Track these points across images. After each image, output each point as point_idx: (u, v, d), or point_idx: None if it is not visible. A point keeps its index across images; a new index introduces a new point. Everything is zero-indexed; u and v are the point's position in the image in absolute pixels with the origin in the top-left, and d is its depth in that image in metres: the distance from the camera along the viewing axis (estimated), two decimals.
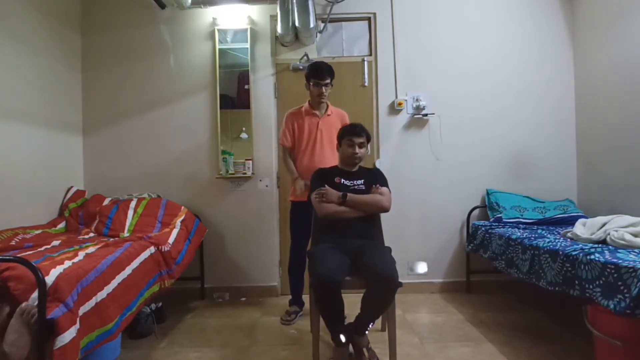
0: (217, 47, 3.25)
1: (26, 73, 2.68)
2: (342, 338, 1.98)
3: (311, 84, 2.62)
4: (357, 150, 2.27)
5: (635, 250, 1.84)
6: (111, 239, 2.52)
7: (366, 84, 3.33)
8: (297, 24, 2.98)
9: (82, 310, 1.65)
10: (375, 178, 2.34)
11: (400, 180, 3.18)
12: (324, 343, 2.29)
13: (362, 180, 2.32)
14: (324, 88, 2.61)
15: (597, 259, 1.78)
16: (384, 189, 2.29)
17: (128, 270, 2.06)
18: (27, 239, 2.32)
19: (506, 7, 3.33)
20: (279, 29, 3.05)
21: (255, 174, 3.25)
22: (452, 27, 3.34)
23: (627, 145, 2.73)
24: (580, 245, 2.04)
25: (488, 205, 3.18)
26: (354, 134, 2.27)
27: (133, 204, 2.99)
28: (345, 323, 2.04)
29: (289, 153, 2.76)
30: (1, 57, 2.46)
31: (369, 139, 2.34)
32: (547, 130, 3.30)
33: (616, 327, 1.70)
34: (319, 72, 2.59)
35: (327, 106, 2.72)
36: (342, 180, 2.31)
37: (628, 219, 2.11)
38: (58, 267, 1.67)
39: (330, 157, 2.62)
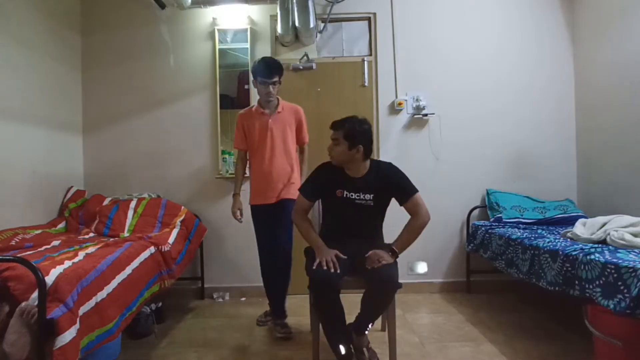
0: (217, 47, 3.25)
1: (26, 73, 2.68)
2: (342, 349, 1.87)
3: (258, 82, 2.41)
4: (332, 145, 2.00)
5: (635, 250, 1.84)
6: (111, 239, 2.52)
7: (366, 84, 3.33)
8: (297, 24, 2.98)
9: (82, 310, 1.65)
10: (389, 188, 2.00)
11: None
12: (324, 343, 2.29)
13: (372, 195, 2.00)
14: (271, 87, 2.39)
15: (597, 259, 1.78)
16: (415, 197, 1.97)
17: (128, 270, 2.06)
18: (27, 239, 2.31)
19: (506, 7, 3.33)
20: (279, 29, 3.05)
21: None
22: (452, 27, 3.34)
23: (627, 145, 2.73)
24: (580, 245, 2.04)
25: (488, 205, 3.18)
26: (331, 126, 2.00)
27: (133, 204, 2.99)
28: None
29: (242, 157, 2.63)
30: (1, 57, 2.46)
31: (353, 136, 1.91)
32: (547, 130, 3.30)
33: (616, 327, 1.70)
34: (266, 70, 2.36)
35: (278, 102, 2.51)
36: (345, 192, 2.02)
37: (628, 219, 2.11)
38: (58, 267, 1.67)
39: (281, 161, 2.47)
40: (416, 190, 1.99)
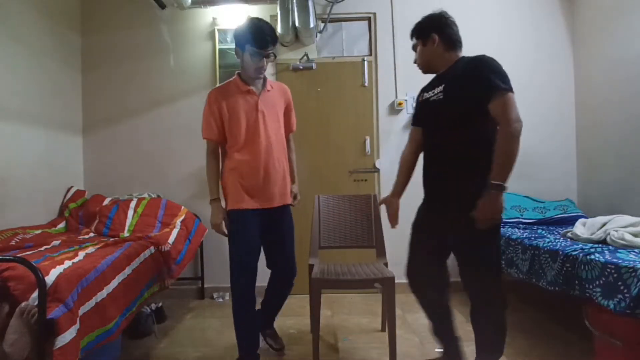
0: (217, 47, 3.25)
1: (26, 73, 2.68)
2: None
3: (247, 52, 1.85)
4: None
5: (635, 250, 1.84)
6: (111, 239, 2.52)
7: (366, 84, 3.33)
8: (297, 24, 2.98)
9: (82, 310, 1.65)
10: (468, 79, 1.58)
11: None
12: (324, 343, 2.29)
13: (442, 87, 1.68)
14: (265, 60, 1.87)
15: (597, 259, 1.78)
16: (503, 97, 1.49)
17: (128, 270, 2.06)
18: (27, 239, 2.32)
19: (506, 7, 3.33)
20: (279, 29, 3.05)
21: None
22: None
23: (627, 145, 2.73)
24: (580, 245, 2.04)
25: None
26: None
27: (133, 204, 2.99)
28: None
29: (214, 150, 2.07)
30: (1, 57, 2.46)
31: (421, 29, 1.82)
32: (547, 130, 3.29)
33: (616, 327, 1.69)
34: (260, 38, 1.82)
35: (265, 79, 1.99)
36: (424, 93, 1.79)
37: (628, 219, 2.11)
38: (58, 267, 1.67)
39: (278, 155, 1.98)
40: (506, 89, 1.48)
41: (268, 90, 1.98)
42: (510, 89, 1.51)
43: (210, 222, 2.01)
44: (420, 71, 1.90)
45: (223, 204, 2.01)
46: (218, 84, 3.23)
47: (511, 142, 1.48)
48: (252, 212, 1.94)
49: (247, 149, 1.93)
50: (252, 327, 1.98)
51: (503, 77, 1.52)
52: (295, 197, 2.15)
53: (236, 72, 2.00)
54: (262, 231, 1.99)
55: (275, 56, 1.95)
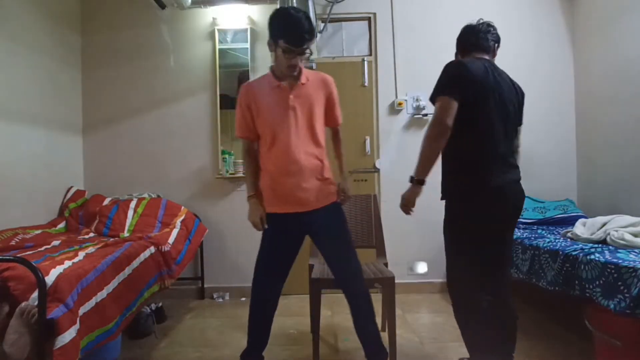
0: (217, 47, 3.25)
1: (26, 73, 2.68)
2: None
3: (279, 47, 1.67)
4: None
5: (635, 250, 1.84)
6: (111, 239, 2.53)
7: (366, 84, 3.33)
8: None
9: (82, 310, 1.65)
10: None
11: (400, 180, 3.16)
12: (324, 343, 2.29)
13: None
14: (299, 58, 1.69)
15: (597, 259, 1.78)
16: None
17: (128, 270, 2.06)
18: (27, 239, 2.32)
19: (506, 8, 3.33)
20: None
21: None
22: (452, 26, 3.31)
23: (627, 145, 2.73)
24: (580, 245, 2.04)
25: None
26: None
27: (133, 204, 2.99)
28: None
29: (249, 148, 1.90)
30: (1, 57, 2.46)
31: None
32: (547, 130, 3.29)
33: (616, 327, 1.69)
34: (296, 33, 1.63)
35: (300, 71, 1.77)
36: None
37: (628, 219, 2.11)
38: (58, 267, 1.67)
39: (309, 152, 1.77)
40: (435, 95, 1.68)
41: (303, 84, 1.78)
42: (441, 94, 1.64)
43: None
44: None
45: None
46: (218, 84, 3.25)
47: (424, 142, 1.68)
48: (283, 217, 1.79)
49: (276, 149, 1.77)
50: (260, 324, 1.86)
51: (440, 84, 1.68)
52: (344, 193, 1.88)
53: (270, 65, 1.86)
54: (299, 237, 1.85)
55: (311, 53, 1.75)
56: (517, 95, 1.76)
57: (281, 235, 1.81)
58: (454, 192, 1.78)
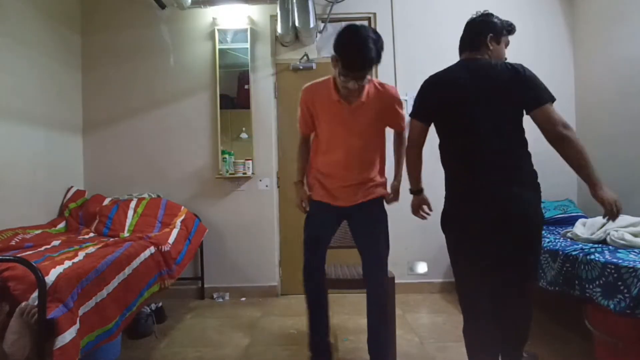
0: (217, 47, 3.25)
1: (26, 73, 2.68)
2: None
3: (342, 71, 1.65)
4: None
5: (635, 250, 1.84)
6: (111, 239, 2.53)
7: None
8: (297, 24, 2.98)
9: (82, 310, 1.66)
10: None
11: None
12: None
13: None
14: (354, 82, 1.66)
15: (597, 259, 1.79)
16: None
17: (128, 270, 2.06)
18: (27, 239, 2.32)
19: (506, 8, 3.32)
20: (279, 29, 3.05)
21: (255, 174, 3.26)
22: (452, 26, 3.30)
23: (627, 145, 2.73)
24: (580, 245, 2.04)
25: None
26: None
27: (133, 204, 2.99)
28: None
29: (305, 139, 1.97)
30: (1, 57, 2.46)
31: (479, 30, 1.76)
32: None
33: (616, 327, 1.70)
34: (355, 60, 1.59)
35: (362, 87, 1.76)
36: None
37: (628, 219, 2.11)
38: (58, 267, 1.67)
39: (359, 172, 1.86)
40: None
41: (363, 102, 1.78)
42: (410, 114, 1.80)
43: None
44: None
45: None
46: (218, 84, 3.24)
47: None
48: (327, 205, 1.89)
49: (329, 159, 1.87)
50: (319, 308, 1.90)
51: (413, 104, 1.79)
52: (394, 194, 1.95)
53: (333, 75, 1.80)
54: (337, 221, 1.96)
55: (369, 80, 1.73)
56: (506, 82, 1.58)
57: (322, 216, 1.90)
58: (445, 199, 1.80)
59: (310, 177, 1.96)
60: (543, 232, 2.03)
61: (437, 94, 1.68)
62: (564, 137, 1.56)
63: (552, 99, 1.56)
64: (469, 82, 1.60)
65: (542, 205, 3.03)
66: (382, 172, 1.94)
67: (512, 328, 1.67)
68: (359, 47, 1.57)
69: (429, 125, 1.73)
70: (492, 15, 1.81)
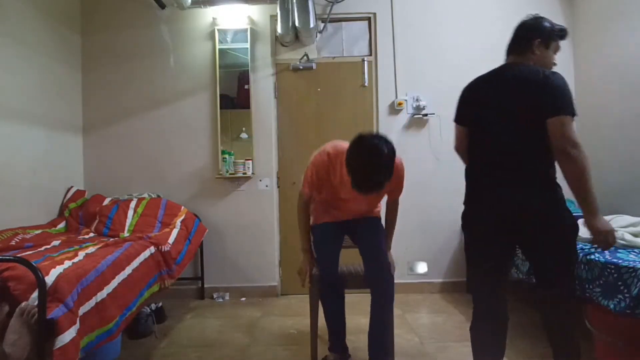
0: (217, 47, 3.25)
1: (26, 73, 2.68)
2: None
3: (354, 186, 1.70)
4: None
5: (635, 250, 1.85)
6: (111, 239, 2.53)
7: (366, 84, 3.33)
8: (297, 24, 2.98)
9: (82, 310, 1.65)
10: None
11: None
12: (324, 343, 2.29)
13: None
14: (365, 195, 1.74)
15: (597, 259, 1.79)
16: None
17: (128, 270, 2.06)
18: (27, 239, 2.32)
19: (506, 8, 3.33)
20: (279, 29, 3.05)
21: (255, 174, 3.26)
22: (452, 27, 3.34)
23: (627, 145, 2.73)
24: (580, 245, 2.04)
25: None
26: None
27: (133, 204, 2.99)
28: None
29: (306, 202, 2.01)
30: (1, 57, 2.46)
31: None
32: None
33: (616, 327, 1.70)
34: (361, 185, 1.66)
35: None
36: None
37: (628, 219, 2.11)
38: (58, 267, 1.67)
39: (365, 210, 2.05)
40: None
41: None
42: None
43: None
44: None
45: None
46: (218, 84, 3.24)
47: None
48: (331, 223, 2.04)
49: (334, 206, 2.02)
50: (334, 312, 1.96)
51: None
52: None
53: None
54: (343, 233, 2.07)
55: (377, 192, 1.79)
56: (532, 87, 1.58)
57: (329, 235, 2.02)
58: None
59: (315, 205, 2.08)
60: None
61: (465, 96, 1.75)
62: (568, 154, 1.48)
63: (571, 113, 1.51)
64: (494, 86, 1.63)
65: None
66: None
67: (550, 338, 1.59)
68: (370, 173, 1.62)
69: (466, 127, 1.72)
70: (543, 18, 1.76)
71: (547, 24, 1.73)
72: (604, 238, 1.43)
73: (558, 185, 1.57)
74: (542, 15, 1.83)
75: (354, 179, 1.66)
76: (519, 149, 1.53)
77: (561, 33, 1.79)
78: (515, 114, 1.55)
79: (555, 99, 1.53)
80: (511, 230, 1.52)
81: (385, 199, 2.07)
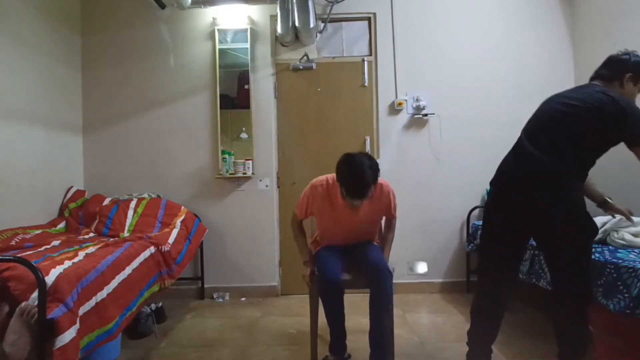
0: (217, 47, 3.25)
1: (26, 73, 2.68)
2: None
3: (344, 193, 1.90)
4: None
5: (635, 250, 1.85)
6: (111, 239, 2.53)
7: (366, 84, 3.33)
8: (297, 24, 2.98)
9: (82, 310, 1.66)
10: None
11: (400, 180, 3.18)
12: (324, 343, 2.29)
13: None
14: (361, 202, 1.91)
15: (597, 258, 1.79)
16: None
17: (128, 270, 2.06)
18: (27, 239, 2.32)
19: (506, 8, 3.33)
20: (279, 29, 3.05)
21: (255, 174, 3.26)
22: (452, 27, 3.34)
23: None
24: None
25: None
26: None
27: (133, 204, 2.99)
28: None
29: (300, 224, 2.23)
30: (1, 57, 2.46)
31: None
32: None
33: (616, 327, 1.70)
34: (350, 191, 1.86)
35: None
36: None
37: None
38: (58, 267, 1.67)
39: (362, 237, 2.17)
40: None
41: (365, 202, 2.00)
42: None
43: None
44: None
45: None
46: (218, 84, 3.24)
47: None
48: (334, 246, 2.16)
49: (333, 234, 2.14)
50: (334, 312, 1.97)
51: None
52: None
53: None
54: (345, 255, 2.12)
55: (367, 199, 1.94)
56: (581, 108, 1.62)
57: (331, 248, 2.14)
58: None
59: (319, 232, 2.23)
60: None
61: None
62: None
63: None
64: (553, 102, 1.77)
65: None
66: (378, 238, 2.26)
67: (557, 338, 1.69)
68: (357, 177, 1.82)
69: None
70: (633, 54, 1.83)
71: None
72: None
73: (572, 185, 1.68)
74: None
75: (346, 187, 1.86)
76: (548, 154, 1.66)
77: None
78: (568, 128, 1.65)
79: (627, 127, 1.60)
80: (514, 228, 1.71)
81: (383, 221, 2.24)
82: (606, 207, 1.88)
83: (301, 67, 3.28)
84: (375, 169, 1.87)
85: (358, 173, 1.81)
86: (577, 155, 1.61)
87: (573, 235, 1.58)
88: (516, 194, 1.65)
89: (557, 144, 1.60)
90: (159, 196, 3.20)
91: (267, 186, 3.29)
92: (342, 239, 2.14)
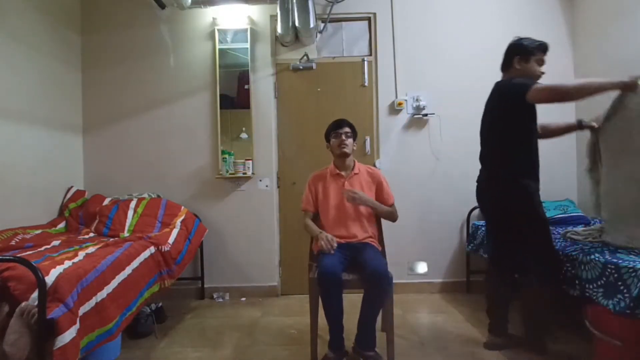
0: (217, 47, 3.25)
1: (26, 73, 2.68)
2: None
3: (331, 137, 2.36)
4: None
5: (636, 250, 1.84)
6: (111, 239, 2.53)
7: (366, 84, 3.33)
8: (297, 24, 2.98)
9: (82, 310, 1.66)
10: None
11: (400, 180, 3.18)
12: (322, 341, 2.29)
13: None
14: (344, 136, 2.31)
15: (597, 259, 1.79)
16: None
17: (128, 270, 2.06)
18: (27, 239, 2.32)
19: (506, 7, 3.33)
20: (279, 29, 3.05)
21: (255, 174, 3.26)
22: (452, 27, 3.34)
23: None
24: (580, 245, 2.04)
25: None
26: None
27: (133, 204, 2.99)
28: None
29: (311, 217, 2.38)
30: (1, 57, 2.47)
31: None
32: None
33: (616, 327, 1.69)
34: (334, 124, 2.37)
35: (354, 164, 2.40)
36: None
37: None
38: (58, 267, 1.67)
39: (356, 230, 2.27)
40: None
41: (356, 173, 2.37)
42: None
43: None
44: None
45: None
46: (218, 84, 3.25)
47: None
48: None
49: (333, 221, 2.30)
50: (333, 309, 2.01)
51: None
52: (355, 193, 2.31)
53: (332, 160, 2.43)
54: (346, 257, 2.18)
55: (354, 139, 2.37)
56: (493, 101, 2.13)
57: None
58: None
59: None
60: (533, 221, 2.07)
61: None
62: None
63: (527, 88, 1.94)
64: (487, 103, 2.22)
65: (543, 205, 3.00)
66: (372, 235, 2.33)
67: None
68: (338, 120, 2.38)
69: None
70: (521, 38, 2.14)
71: (525, 42, 2.11)
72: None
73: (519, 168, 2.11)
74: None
75: (331, 127, 2.37)
76: (493, 148, 2.30)
77: (541, 47, 2.11)
78: (491, 118, 2.28)
79: (510, 88, 2.03)
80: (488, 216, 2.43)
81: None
82: (582, 125, 2.26)
83: (301, 67, 3.28)
84: (353, 126, 2.38)
85: (339, 119, 2.38)
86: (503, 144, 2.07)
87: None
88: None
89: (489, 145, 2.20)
90: (159, 196, 3.20)
91: (267, 186, 3.29)
92: (341, 221, 2.28)
